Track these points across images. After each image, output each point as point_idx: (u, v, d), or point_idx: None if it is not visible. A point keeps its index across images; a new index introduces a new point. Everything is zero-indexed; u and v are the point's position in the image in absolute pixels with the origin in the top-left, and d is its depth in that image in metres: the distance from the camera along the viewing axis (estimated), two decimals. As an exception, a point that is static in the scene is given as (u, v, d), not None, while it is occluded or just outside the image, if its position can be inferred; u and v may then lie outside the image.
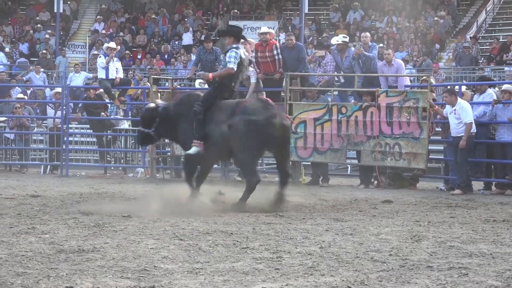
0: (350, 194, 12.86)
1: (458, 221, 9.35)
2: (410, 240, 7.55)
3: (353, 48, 16.06)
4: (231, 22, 31.08)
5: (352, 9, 31.25)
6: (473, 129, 13.42)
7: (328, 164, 15.44)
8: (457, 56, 26.98)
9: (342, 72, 16.05)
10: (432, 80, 15.62)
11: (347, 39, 16.45)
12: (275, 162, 17.06)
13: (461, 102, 13.48)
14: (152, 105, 11.61)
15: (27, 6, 33.99)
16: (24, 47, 29.79)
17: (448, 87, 15.21)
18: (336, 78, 17.56)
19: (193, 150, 10.64)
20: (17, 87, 22.11)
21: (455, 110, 13.46)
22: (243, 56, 10.97)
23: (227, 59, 10.89)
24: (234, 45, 11.02)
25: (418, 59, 27.38)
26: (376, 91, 14.56)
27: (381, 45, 21.91)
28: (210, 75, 11.03)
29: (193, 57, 22.82)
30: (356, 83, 15.01)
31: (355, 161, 15.77)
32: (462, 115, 13.35)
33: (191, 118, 10.70)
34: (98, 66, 18.13)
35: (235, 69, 10.85)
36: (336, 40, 16.54)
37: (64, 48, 30.53)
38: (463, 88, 15.19)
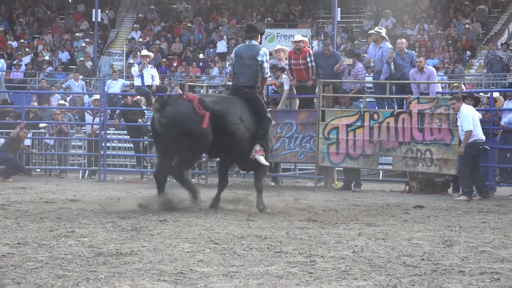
0: (382, 199, 12.80)
1: (490, 226, 9.28)
2: (442, 245, 7.50)
3: (388, 44, 15.97)
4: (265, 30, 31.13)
5: (384, 17, 31.13)
6: (476, 136, 13.22)
7: (360, 169, 15.40)
8: (488, 62, 26.76)
9: (373, 63, 16.00)
10: (463, 87, 15.49)
11: (382, 31, 16.36)
12: (307, 167, 17.28)
13: (463, 110, 13.28)
14: None
15: (66, 16, 34.34)
16: (63, 56, 30.09)
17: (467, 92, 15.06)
18: (368, 85, 17.54)
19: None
20: (56, 94, 22.38)
21: (458, 117, 13.39)
22: None
23: (265, 66, 10.64)
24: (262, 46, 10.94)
25: (449, 66, 27.21)
26: (407, 97, 14.52)
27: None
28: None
29: (228, 64, 22.89)
30: (389, 89, 14.97)
31: (387, 167, 15.71)
32: (462, 122, 13.24)
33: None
34: (133, 74, 18.32)
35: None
36: (371, 30, 16.70)
37: (105, 53, 30.79)
38: (497, 94, 15.03)
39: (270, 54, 18.43)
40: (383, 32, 16.39)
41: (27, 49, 30.05)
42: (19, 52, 29.43)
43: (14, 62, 28.77)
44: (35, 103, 20.88)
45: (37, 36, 32.30)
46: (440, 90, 16.11)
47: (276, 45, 20.15)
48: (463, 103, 13.45)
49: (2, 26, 32.27)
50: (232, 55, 10.91)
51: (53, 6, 35.10)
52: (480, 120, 13.74)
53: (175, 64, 29.71)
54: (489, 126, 14.24)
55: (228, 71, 10.90)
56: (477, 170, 13.53)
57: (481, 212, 11.06)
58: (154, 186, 15.12)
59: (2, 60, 28.34)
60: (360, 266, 6.31)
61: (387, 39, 16.56)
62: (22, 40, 30.75)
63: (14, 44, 30.59)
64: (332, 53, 16.40)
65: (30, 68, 28.75)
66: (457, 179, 13.71)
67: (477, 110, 14.06)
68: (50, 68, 28.70)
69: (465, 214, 10.73)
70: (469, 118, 13.16)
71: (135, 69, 17.98)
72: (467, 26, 29.40)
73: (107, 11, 34.10)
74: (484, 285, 5.63)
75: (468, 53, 28.63)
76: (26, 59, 29.16)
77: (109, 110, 18.77)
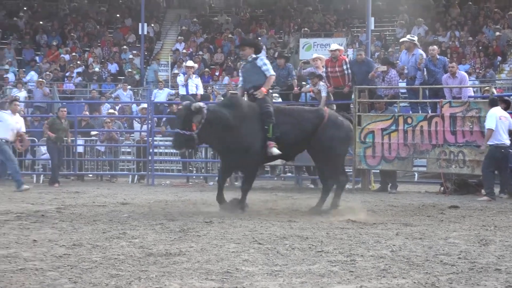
0: (418, 200, 12.67)
1: (524, 225, 9.13)
2: (478, 244, 7.39)
3: (421, 51, 15.86)
4: (302, 40, 31.09)
5: (416, 25, 30.87)
6: (499, 141, 13.01)
7: (396, 171, 15.27)
8: (518, 67, 26.43)
9: (407, 69, 15.88)
10: (494, 91, 15.30)
11: (414, 39, 16.25)
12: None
13: (490, 111, 13.20)
14: (199, 104, 10.20)
15: (115, 29, 34.64)
16: (112, 67, 30.35)
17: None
18: (402, 90, 17.41)
19: (276, 150, 10.23)
20: (106, 104, 22.58)
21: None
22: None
23: (265, 67, 10.74)
24: (255, 55, 10.95)
25: (480, 71, 26.88)
26: (440, 101, 14.39)
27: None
28: (264, 89, 10.59)
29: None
30: (422, 94, 14.87)
31: (422, 169, 15.58)
32: (486, 121, 13.15)
33: (263, 120, 10.30)
34: (178, 84, 18.36)
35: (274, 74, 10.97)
36: (403, 38, 16.65)
37: (151, 63, 31.04)
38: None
39: (308, 62, 18.49)
40: (416, 39, 16.27)
41: (78, 62, 30.38)
42: (71, 65, 29.75)
43: (67, 74, 29.10)
44: (87, 112, 21.09)
45: (87, 49, 32.63)
46: (472, 94, 15.93)
47: (313, 53, 20.11)
48: (495, 107, 13.28)
49: (55, 40, 32.67)
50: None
51: (102, 21, 35.46)
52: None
53: (217, 74, 29.78)
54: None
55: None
56: (504, 171, 13.38)
57: (515, 211, 10.89)
58: (199, 190, 15.24)
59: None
60: (398, 264, 6.24)
61: (419, 46, 16.42)
62: (73, 53, 31.07)
63: (67, 57, 30.93)
64: (365, 60, 16.32)
65: (82, 79, 29.06)
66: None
67: (509, 113, 13.85)
68: (80, 78, 29.00)
69: (499, 213, 10.56)
70: (493, 119, 13.05)
71: (180, 79, 18.04)
72: (497, 33, 28.97)
73: (152, 25, 34.35)
74: (521, 283, 5.53)
75: (499, 58, 28.24)
76: (78, 71, 29.48)
77: (156, 118, 18.89)
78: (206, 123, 10.08)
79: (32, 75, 28.42)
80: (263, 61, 10.83)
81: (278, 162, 14.18)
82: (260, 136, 10.26)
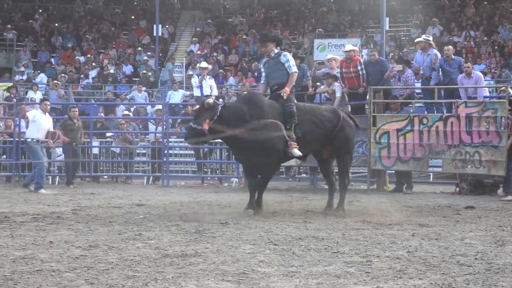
0: (433, 201, 12.62)
1: (541, 226, 9.07)
2: (494, 245, 7.35)
3: (436, 51, 15.79)
4: (316, 41, 31.05)
5: (431, 25, 30.76)
6: None
7: (411, 172, 15.22)
8: (535, 66, 26.26)
9: (422, 70, 15.80)
10: (510, 91, 15.20)
11: (430, 39, 16.19)
12: (360, 171, 17.15)
13: None
14: (210, 100, 10.17)
15: (129, 31, 34.75)
16: (127, 69, 30.44)
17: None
18: (417, 91, 17.35)
19: (298, 152, 10.06)
20: (121, 105, 22.64)
21: None
22: None
23: (287, 64, 10.59)
24: (277, 50, 10.83)
25: (496, 71, 26.74)
26: (455, 102, 14.33)
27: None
28: (287, 89, 10.41)
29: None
30: (437, 94, 14.81)
31: (437, 169, 15.52)
32: None
33: (284, 119, 10.11)
34: (193, 85, 18.37)
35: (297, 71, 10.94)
36: (418, 39, 16.56)
37: (165, 64, 31.11)
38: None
39: (322, 63, 18.45)
40: (431, 39, 16.21)
41: (93, 64, 30.50)
42: (86, 66, 29.89)
43: (82, 76, 29.23)
44: (102, 114, 21.15)
45: (102, 51, 32.77)
46: (488, 94, 15.85)
47: (327, 54, 20.07)
48: None
49: (70, 42, 32.83)
50: None
51: (117, 23, 35.61)
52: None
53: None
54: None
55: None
56: None
57: (531, 212, 10.82)
58: (214, 191, 15.25)
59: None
60: (415, 265, 6.22)
61: (434, 46, 16.36)
62: (88, 55, 31.21)
63: (82, 59, 31.09)
64: (379, 60, 16.27)
65: (97, 81, 29.18)
66: (507, 180, 13.47)
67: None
68: (87, 80, 29.11)
69: (516, 214, 10.52)
70: None
71: (195, 80, 18.08)
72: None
73: (167, 26, 34.43)
74: (538, 284, 5.50)
75: (515, 57, 28.11)
76: (93, 73, 29.61)
77: (170, 119, 18.91)
78: (219, 119, 9.99)
79: (42, 77, 28.56)
80: (287, 57, 10.72)
81: (293, 162, 14.18)
82: (281, 136, 10.08)
